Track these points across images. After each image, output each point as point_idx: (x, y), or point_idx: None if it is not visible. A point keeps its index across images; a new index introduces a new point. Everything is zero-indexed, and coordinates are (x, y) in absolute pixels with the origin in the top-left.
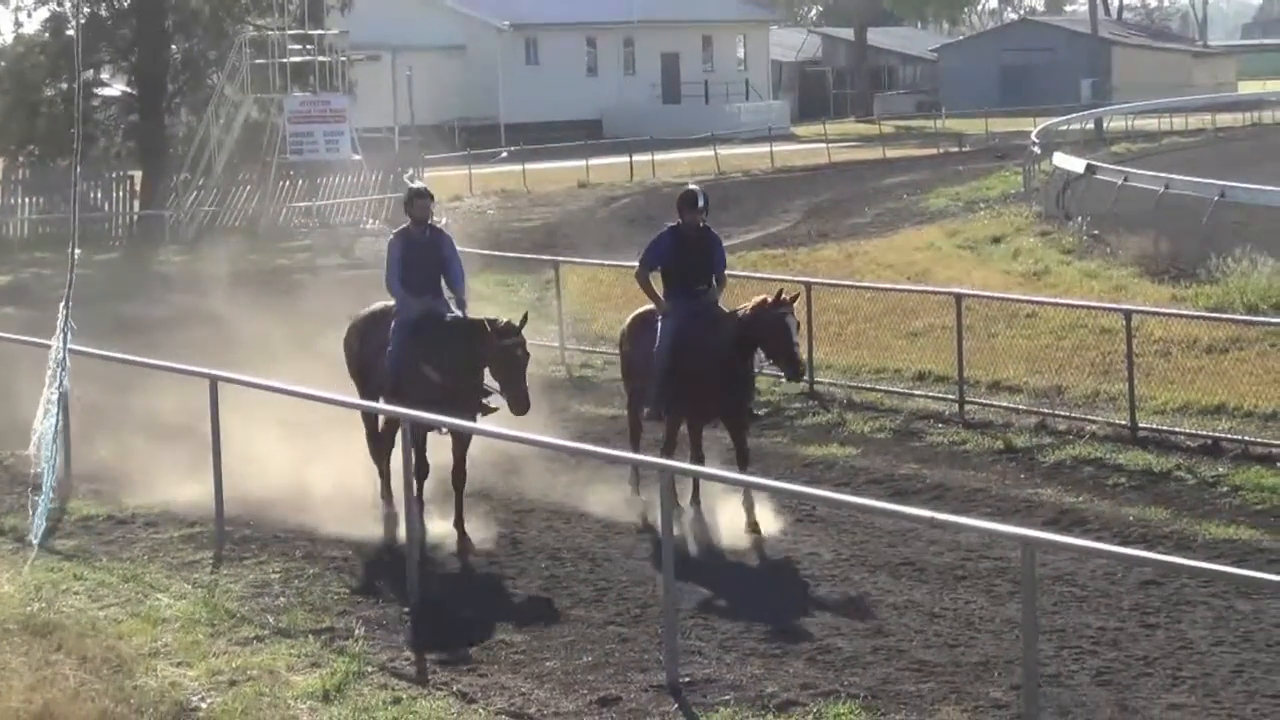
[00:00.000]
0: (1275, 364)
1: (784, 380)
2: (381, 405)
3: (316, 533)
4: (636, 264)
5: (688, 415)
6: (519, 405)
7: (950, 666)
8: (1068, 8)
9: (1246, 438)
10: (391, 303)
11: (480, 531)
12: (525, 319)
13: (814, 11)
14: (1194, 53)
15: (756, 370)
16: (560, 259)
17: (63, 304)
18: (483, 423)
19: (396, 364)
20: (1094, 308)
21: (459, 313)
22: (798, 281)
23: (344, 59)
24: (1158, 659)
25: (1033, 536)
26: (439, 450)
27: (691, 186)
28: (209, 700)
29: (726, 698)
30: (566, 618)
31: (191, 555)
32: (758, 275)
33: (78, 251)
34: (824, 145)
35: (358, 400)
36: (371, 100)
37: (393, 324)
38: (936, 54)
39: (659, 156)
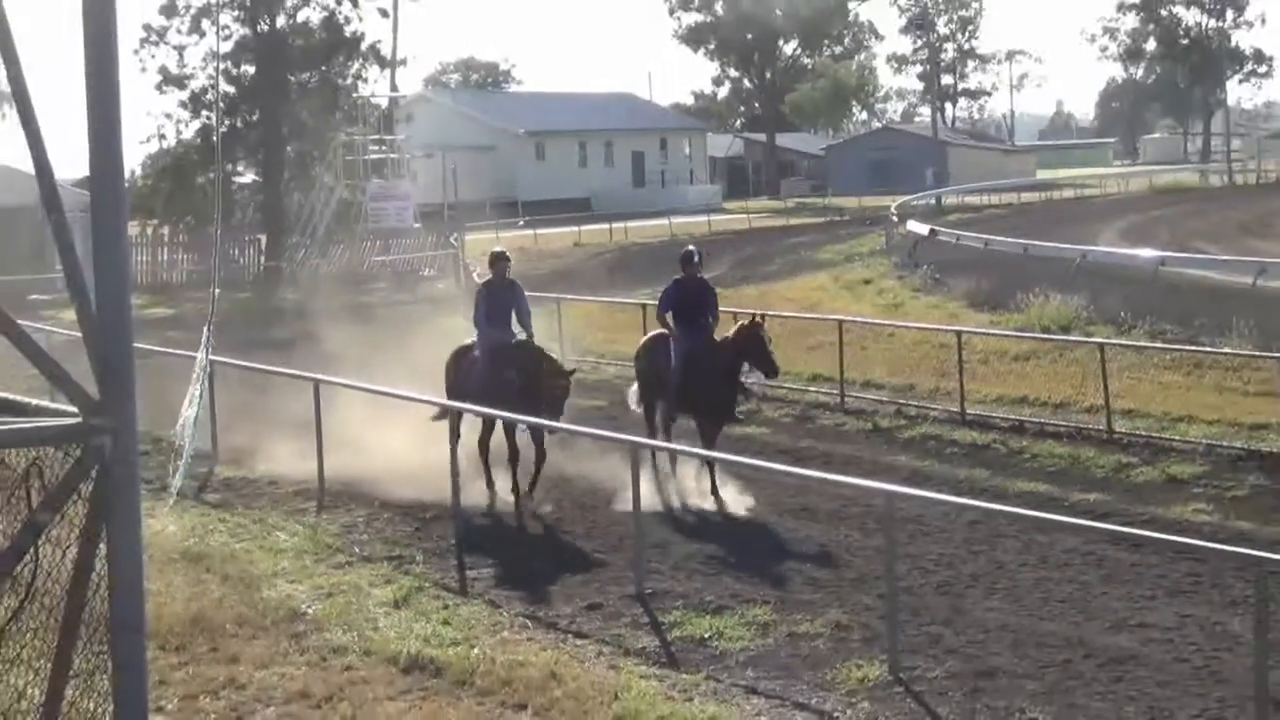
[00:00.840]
0: (1061, 368)
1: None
2: (441, 400)
3: (390, 492)
4: (622, 300)
5: (696, 415)
6: (553, 416)
7: (835, 581)
8: (916, 119)
9: (1043, 420)
10: (471, 340)
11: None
12: (574, 370)
13: (738, 122)
14: (1005, 150)
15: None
16: (562, 296)
17: (206, 326)
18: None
19: (484, 377)
20: (935, 329)
21: (527, 337)
22: (727, 312)
23: (408, 156)
24: (980, 575)
25: (892, 490)
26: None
27: (690, 247)
28: (313, 607)
29: (678, 603)
30: (565, 549)
31: (300, 505)
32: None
33: (218, 291)
34: (746, 216)
35: (436, 399)
36: (427, 184)
37: (476, 351)
38: (825, 151)
39: (630, 224)
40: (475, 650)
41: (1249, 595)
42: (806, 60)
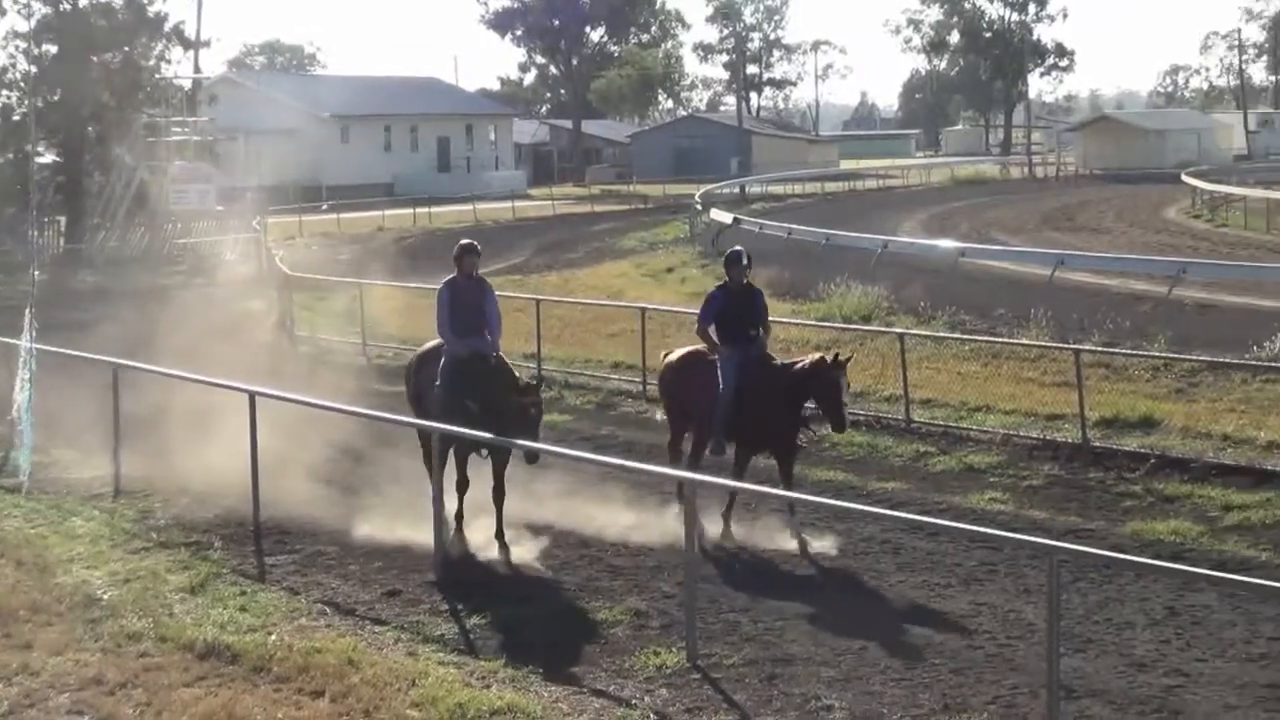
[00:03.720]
0: (862, 357)
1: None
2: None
3: (190, 479)
4: (424, 285)
5: (744, 445)
6: (530, 455)
7: (634, 569)
8: (721, 107)
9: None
10: (439, 343)
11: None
12: (541, 383)
13: (544, 108)
14: (809, 140)
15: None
16: (363, 281)
17: (28, 309)
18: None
19: (442, 396)
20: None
21: (497, 353)
22: (530, 299)
23: (211, 138)
24: (779, 563)
25: (690, 477)
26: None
27: (737, 248)
28: (109, 593)
29: (477, 590)
30: (364, 536)
31: (98, 490)
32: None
33: (36, 274)
34: (550, 203)
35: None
36: (230, 167)
37: (442, 361)
38: (630, 139)
39: (434, 209)
40: (272, 637)
41: (1042, 584)
42: (613, 48)
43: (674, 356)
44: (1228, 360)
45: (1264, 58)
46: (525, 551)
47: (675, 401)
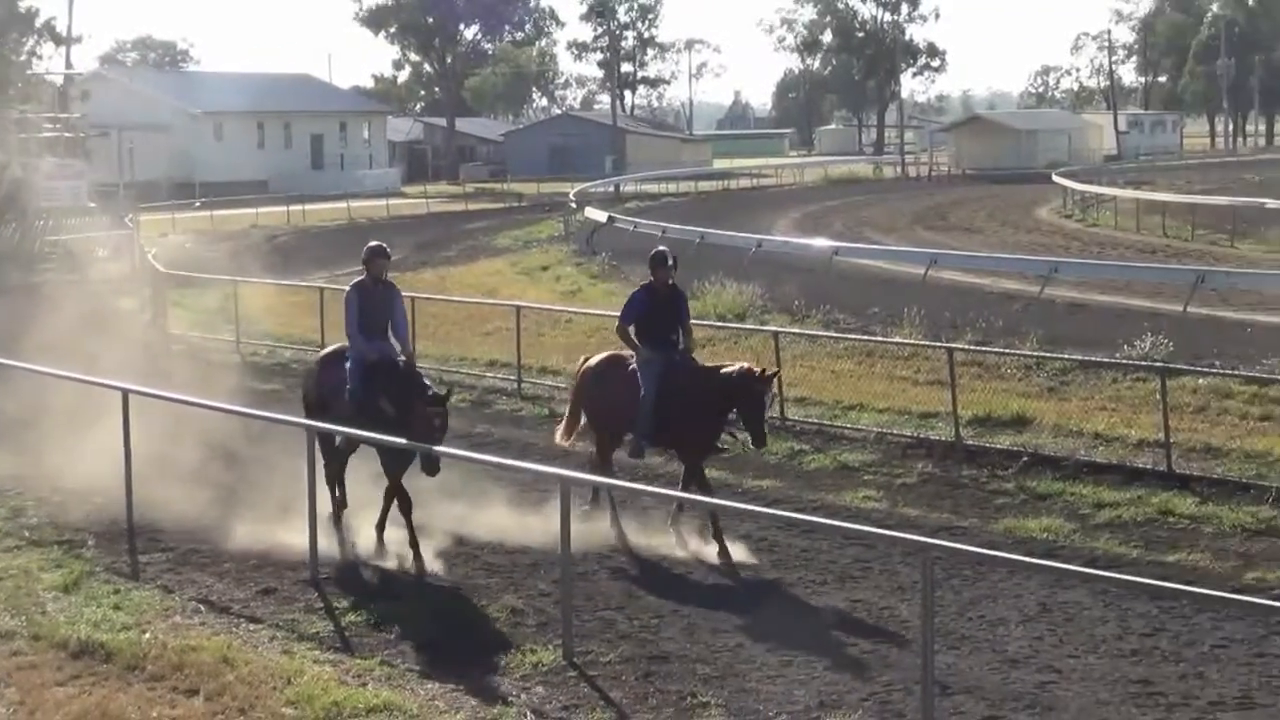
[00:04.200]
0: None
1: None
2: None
3: (62, 478)
4: (298, 283)
5: (676, 448)
6: (428, 466)
7: (510, 566)
8: (596, 106)
9: None
10: (341, 346)
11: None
12: (449, 394)
13: (418, 106)
14: (683, 139)
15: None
16: (237, 279)
17: None
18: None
19: (357, 397)
20: (612, 315)
21: (405, 358)
22: (405, 297)
23: (83, 135)
24: (655, 561)
25: (568, 475)
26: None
27: (661, 248)
28: None
29: (353, 588)
30: (239, 534)
31: None
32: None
33: None
34: (425, 201)
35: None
36: (103, 164)
37: (348, 365)
38: (505, 137)
39: (308, 207)
40: (147, 635)
41: (916, 581)
42: (487, 45)
43: (593, 361)
44: (1098, 359)
45: (1134, 59)
46: (404, 549)
47: (593, 407)
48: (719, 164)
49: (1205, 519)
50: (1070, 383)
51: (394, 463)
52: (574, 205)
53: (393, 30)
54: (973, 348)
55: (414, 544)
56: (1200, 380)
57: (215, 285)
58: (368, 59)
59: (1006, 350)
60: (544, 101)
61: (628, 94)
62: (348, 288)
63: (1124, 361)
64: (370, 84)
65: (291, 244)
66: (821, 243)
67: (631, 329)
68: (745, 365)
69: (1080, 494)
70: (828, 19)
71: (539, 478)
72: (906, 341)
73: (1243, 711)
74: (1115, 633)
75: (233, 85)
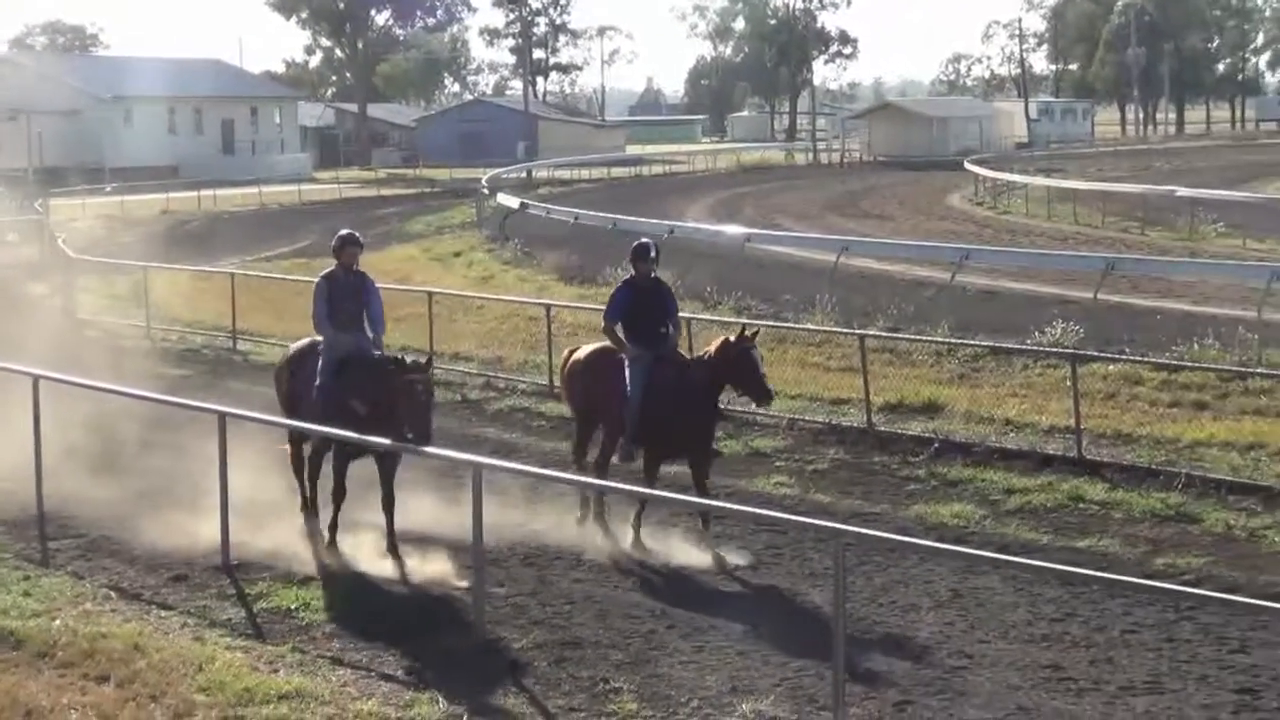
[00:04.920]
0: None
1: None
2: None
3: None
4: (209, 269)
5: (654, 450)
6: (419, 439)
7: (424, 553)
8: (508, 92)
9: None
10: (314, 339)
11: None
12: (430, 361)
13: (329, 92)
14: (595, 125)
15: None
16: (148, 264)
17: None
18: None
19: (325, 396)
20: (525, 302)
21: (380, 351)
22: (315, 282)
23: None
24: (567, 547)
25: (480, 461)
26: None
27: (643, 240)
28: None
29: (264, 575)
30: (153, 520)
31: None
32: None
33: None
34: (337, 186)
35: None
36: (11, 149)
37: (320, 360)
38: (417, 123)
39: (219, 192)
40: (57, 622)
41: (828, 567)
42: (399, 31)
43: (581, 354)
44: (1009, 346)
45: (1045, 47)
46: (310, 535)
47: (581, 403)
48: (632, 150)
49: (1115, 505)
50: (981, 369)
51: (387, 465)
52: (486, 191)
53: (304, 15)
54: (884, 334)
55: (333, 528)
56: (1110, 367)
57: (126, 271)
58: (279, 44)
59: (918, 337)
60: (456, 88)
61: (540, 80)
62: (317, 278)
63: (1035, 348)
64: (282, 69)
65: (203, 229)
66: (734, 229)
67: (619, 326)
68: (720, 339)
69: (991, 480)
70: (740, 6)
71: (451, 465)
72: (818, 328)
73: (1152, 695)
74: (1026, 618)
75: (143, 70)
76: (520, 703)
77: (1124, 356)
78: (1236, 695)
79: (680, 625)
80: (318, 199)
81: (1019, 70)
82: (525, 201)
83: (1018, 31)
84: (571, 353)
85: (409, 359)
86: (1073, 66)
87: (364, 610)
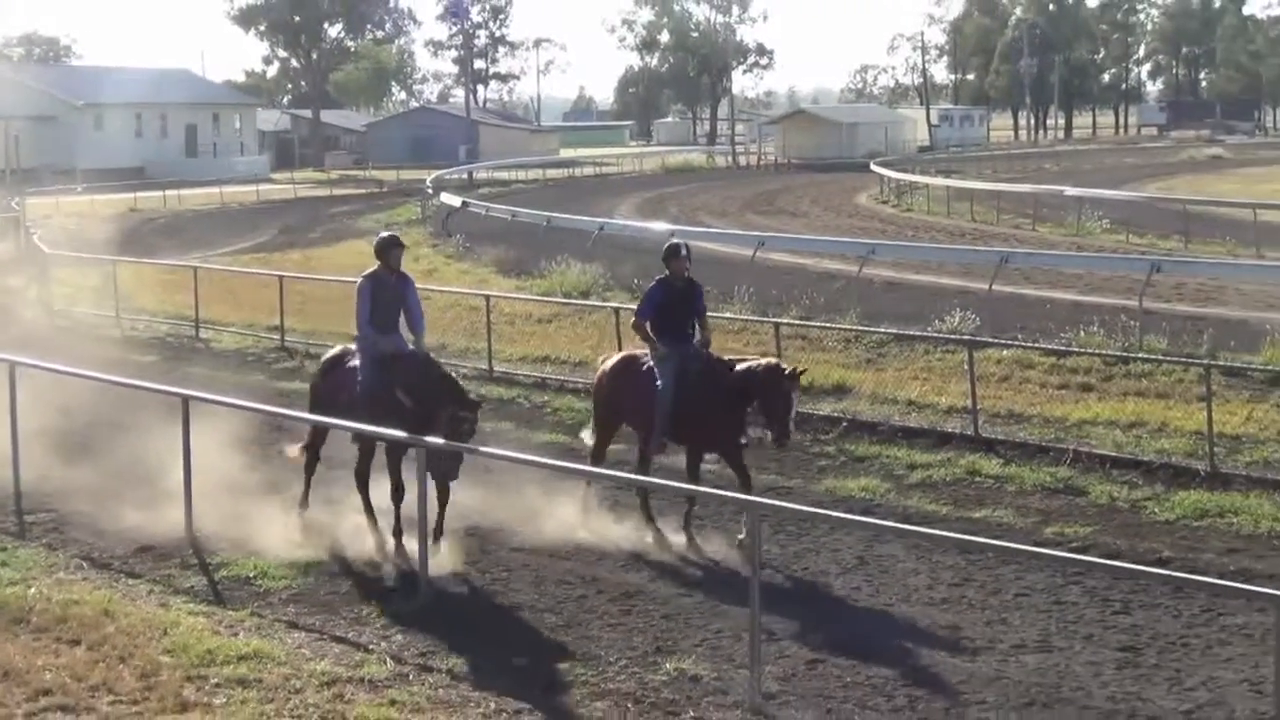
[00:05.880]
0: (581, 330)
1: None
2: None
3: None
4: (174, 262)
5: (688, 445)
6: (446, 474)
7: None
8: (451, 99)
9: (563, 378)
10: (345, 347)
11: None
12: (480, 404)
13: (285, 99)
14: (532, 130)
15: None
16: (118, 258)
17: None
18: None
19: (371, 390)
20: (466, 293)
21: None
22: (273, 275)
23: None
24: (506, 519)
25: (429, 442)
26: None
27: (675, 239)
28: None
29: (224, 545)
30: (117, 496)
31: None
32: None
33: None
34: (292, 187)
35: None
36: None
37: (357, 360)
38: (367, 127)
39: (183, 192)
40: (32, 590)
41: (745, 533)
42: (350, 43)
43: (610, 363)
44: (912, 333)
45: (945, 58)
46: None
47: (612, 409)
48: (565, 153)
49: (1008, 479)
50: (886, 354)
51: (394, 456)
52: (431, 191)
53: (262, 28)
54: (797, 322)
55: (397, 532)
56: (1004, 352)
57: (97, 265)
58: (239, 55)
59: (828, 324)
60: (403, 95)
61: (480, 88)
62: (359, 278)
63: (935, 335)
64: (241, 78)
65: (168, 226)
66: (659, 226)
67: (648, 324)
68: (771, 360)
69: (895, 456)
70: (665, 20)
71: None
72: (737, 316)
73: (1042, 654)
74: (926, 583)
75: (113, 79)
76: (461, 662)
77: (1017, 343)
78: (1119, 653)
79: (609, 591)
80: (275, 198)
81: (921, 80)
82: (467, 200)
83: (920, 44)
84: (603, 360)
85: (471, 394)
86: (970, 76)
87: (317, 577)
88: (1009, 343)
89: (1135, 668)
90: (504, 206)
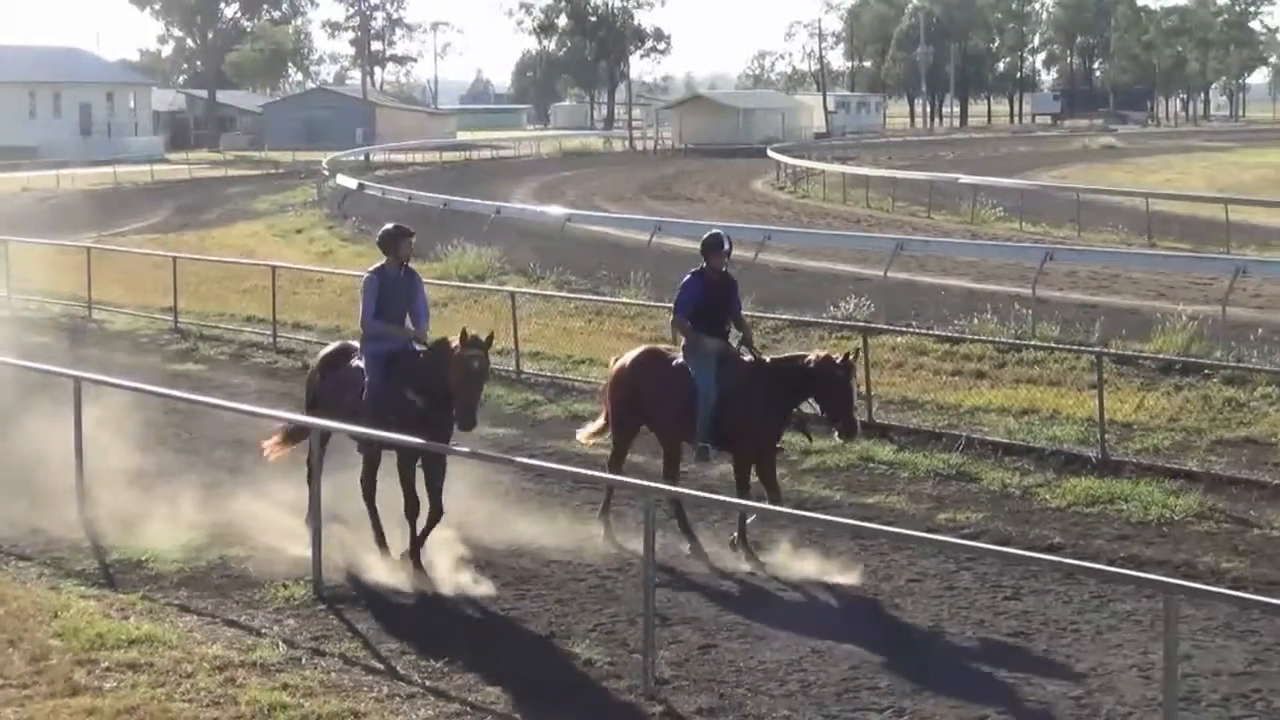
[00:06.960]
0: (476, 314)
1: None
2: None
3: None
4: (67, 243)
5: (733, 451)
6: (464, 419)
7: (263, 510)
8: (348, 81)
9: None
10: (346, 343)
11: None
12: (491, 338)
13: (181, 79)
14: (429, 113)
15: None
16: (8, 238)
17: None
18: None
19: (378, 391)
20: (362, 275)
21: (422, 346)
22: (167, 256)
23: None
24: (396, 508)
25: (325, 424)
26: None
27: (716, 231)
28: None
29: (116, 527)
30: (7, 479)
31: None
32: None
33: None
34: (187, 167)
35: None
36: None
37: (363, 359)
38: (263, 109)
39: (77, 172)
40: None
41: (640, 521)
42: (246, 23)
43: (630, 358)
44: (807, 319)
45: (842, 45)
46: (160, 492)
47: (632, 410)
48: (462, 136)
49: (902, 465)
50: (782, 340)
51: (406, 465)
52: (327, 173)
53: (158, 7)
54: None
55: (415, 548)
56: (899, 339)
57: None
58: (135, 33)
59: None
60: (300, 76)
61: (378, 70)
62: (366, 272)
63: (830, 321)
64: (136, 57)
65: (61, 206)
66: (555, 210)
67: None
68: (822, 353)
69: (790, 442)
70: (563, 3)
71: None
72: (633, 302)
73: (933, 638)
74: (819, 569)
75: (5, 57)
76: (355, 646)
77: (911, 329)
78: (1010, 638)
79: (503, 576)
80: (170, 179)
81: (818, 66)
82: (363, 183)
83: (817, 31)
84: (618, 358)
85: (470, 335)
86: (867, 64)
87: (210, 561)
88: (903, 330)
89: (1026, 653)
90: (400, 189)
